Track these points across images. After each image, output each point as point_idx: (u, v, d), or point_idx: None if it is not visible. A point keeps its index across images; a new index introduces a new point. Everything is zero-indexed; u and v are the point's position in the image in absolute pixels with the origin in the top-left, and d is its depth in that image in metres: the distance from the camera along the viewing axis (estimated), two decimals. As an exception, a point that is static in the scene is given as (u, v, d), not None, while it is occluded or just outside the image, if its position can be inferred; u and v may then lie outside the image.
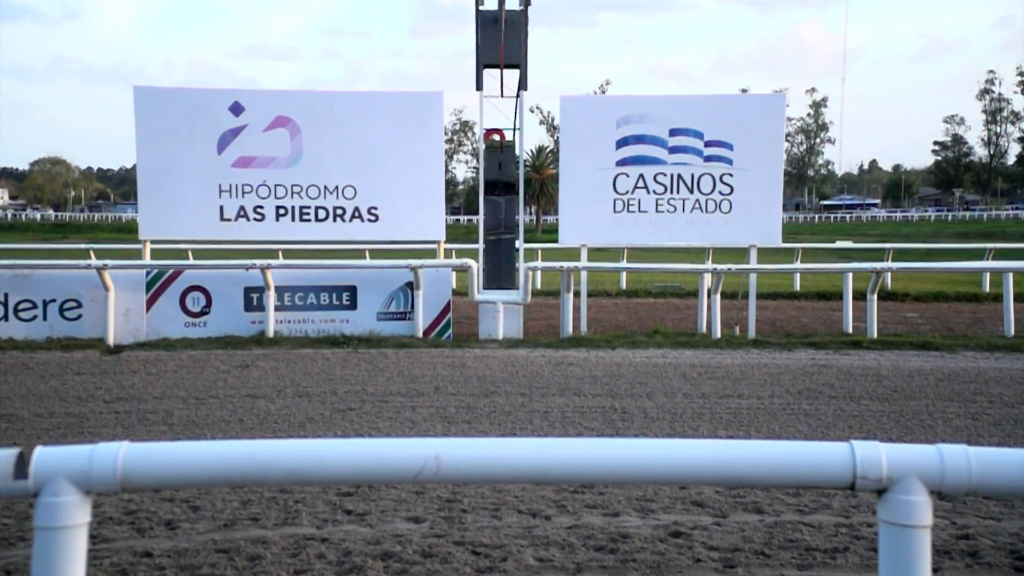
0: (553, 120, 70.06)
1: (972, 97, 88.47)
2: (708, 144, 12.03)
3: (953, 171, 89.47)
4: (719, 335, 11.74)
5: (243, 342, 11.20)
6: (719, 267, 12.60)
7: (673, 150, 12.06)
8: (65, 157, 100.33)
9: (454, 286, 12.94)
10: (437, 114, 12.41)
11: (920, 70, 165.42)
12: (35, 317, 11.46)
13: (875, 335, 11.73)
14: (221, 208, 11.93)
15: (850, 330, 12.36)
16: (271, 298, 11.61)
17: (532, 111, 75.57)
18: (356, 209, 12.15)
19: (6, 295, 11.37)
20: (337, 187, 12.07)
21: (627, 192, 12.09)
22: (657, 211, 12.10)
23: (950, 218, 66.97)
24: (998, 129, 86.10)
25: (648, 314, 14.98)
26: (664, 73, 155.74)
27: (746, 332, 12.01)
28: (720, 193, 12.02)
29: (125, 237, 40.33)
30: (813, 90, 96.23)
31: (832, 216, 76.07)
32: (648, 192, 12.08)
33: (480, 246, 13.59)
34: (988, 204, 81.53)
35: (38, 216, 71.60)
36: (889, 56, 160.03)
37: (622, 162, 12.08)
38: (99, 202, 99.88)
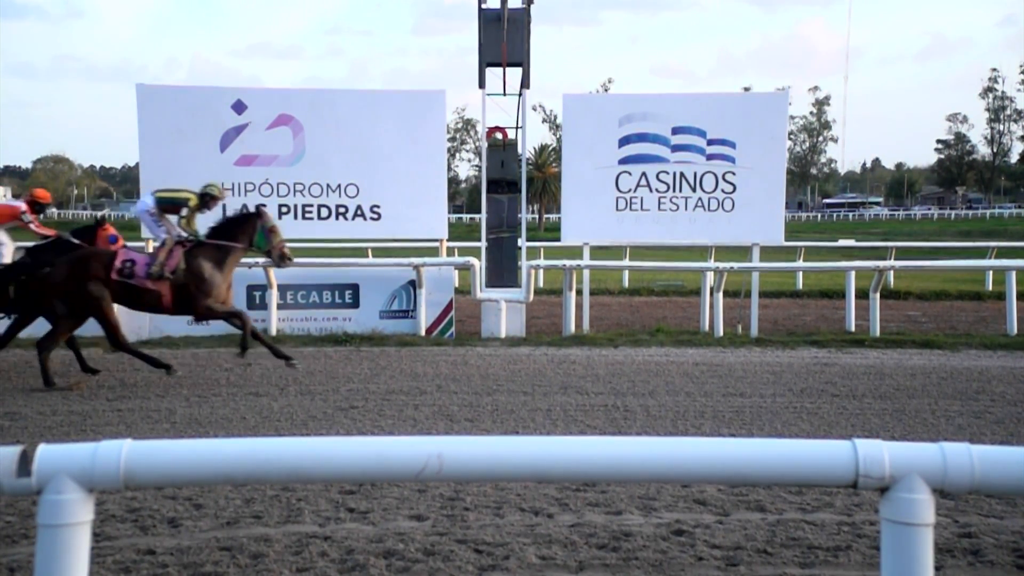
0: (556, 118, 69.92)
1: (975, 95, 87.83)
2: (711, 142, 12.02)
3: (956, 169, 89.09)
4: (721, 333, 11.74)
5: (246, 340, 11.20)
6: (721, 265, 12.60)
7: (676, 148, 12.05)
8: (68, 155, 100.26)
9: (456, 284, 12.93)
10: (439, 112, 12.40)
11: (923, 68, 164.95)
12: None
13: (878, 333, 11.72)
14: (224, 206, 11.91)
15: (852, 328, 12.34)
16: (274, 296, 11.62)
17: (535, 109, 75.39)
18: (358, 207, 12.15)
19: (9, 293, 11.36)
20: (339, 185, 12.07)
21: (630, 190, 12.09)
22: (660, 209, 12.10)
23: (953, 216, 66.80)
24: (1001, 127, 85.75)
25: (650, 312, 14.98)
26: (667, 71, 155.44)
27: (748, 330, 12.00)
28: (722, 191, 12.01)
29: (128, 235, 40.27)
30: (816, 88, 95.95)
31: (835, 214, 75.96)
32: (651, 190, 12.07)
33: (482, 244, 13.57)
34: (991, 202, 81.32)
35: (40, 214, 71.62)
36: (892, 54, 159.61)
37: (625, 160, 12.07)
38: (102, 200, 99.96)
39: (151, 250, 9.40)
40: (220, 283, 8.83)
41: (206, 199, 9.33)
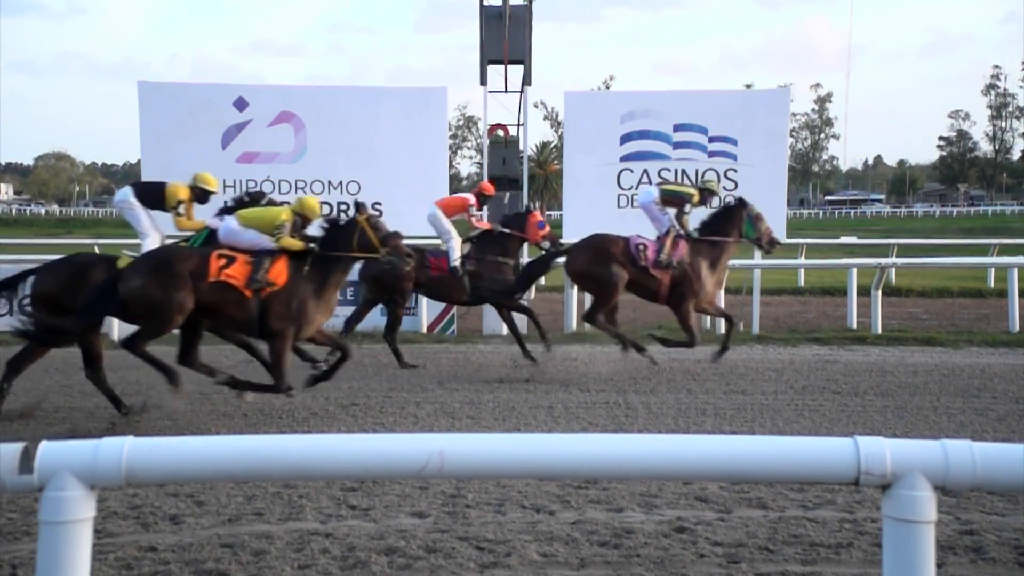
0: (557, 116, 69.77)
1: (977, 92, 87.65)
2: (712, 140, 12.02)
3: (958, 166, 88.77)
4: (723, 331, 11.70)
5: (247, 337, 11.19)
6: (723, 263, 12.55)
7: (677, 146, 12.05)
8: (70, 152, 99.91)
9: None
10: (441, 110, 12.40)
11: (926, 66, 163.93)
12: (40, 312, 11.45)
13: (879, 331, 11.71)
14: (225, 203, 11.90)
15: (854, 326, 12.32)
16: (275, 293, 11.58)
17: (536, 107, 75.01)
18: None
19: (11, 290, 11.35)
20: (341, 182, 12.07)
21: (631, 188, 12.09)
22: (661, 206, 12.07)
23: (955, 214, 66.55)
24: (1003, 124, 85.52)
25: (652, 309, 14.92)
26: (669, 69, 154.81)
27: (750, 328, 11.99)
28: (724, 189, 11.99)
29: (130, 232, 40.23)
30: (818, 85, 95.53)
31: (836, 211, 75.74)
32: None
33: (484, 242, 13.55)
34: (993, 200, 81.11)
35: (43, 211, 71.53)
36: (894, 51, 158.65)
37: (626, 158, 12.07)
38: (104, 197, 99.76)
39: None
40: (712, 285, 9.09)
41: (704, 194, 9.55)
